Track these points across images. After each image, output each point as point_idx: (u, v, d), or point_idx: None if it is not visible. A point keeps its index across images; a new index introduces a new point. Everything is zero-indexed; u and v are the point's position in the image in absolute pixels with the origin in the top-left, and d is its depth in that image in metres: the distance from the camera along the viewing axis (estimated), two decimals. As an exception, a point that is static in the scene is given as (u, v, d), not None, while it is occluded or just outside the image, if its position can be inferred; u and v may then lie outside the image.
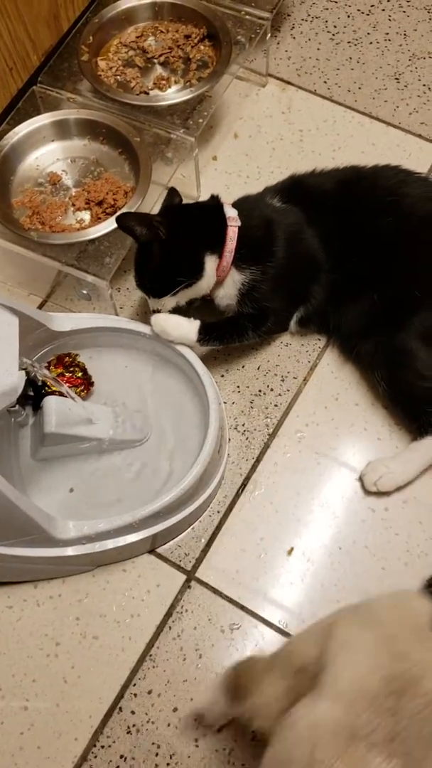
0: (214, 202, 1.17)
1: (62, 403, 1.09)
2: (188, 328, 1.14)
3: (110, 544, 1.05)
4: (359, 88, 1.52)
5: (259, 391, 1.24)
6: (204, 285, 1.14)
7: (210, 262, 1.13)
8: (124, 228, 1.10)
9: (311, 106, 1.50)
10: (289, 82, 1.54)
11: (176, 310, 1.17)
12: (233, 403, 1.23)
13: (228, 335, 1.18)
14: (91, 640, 1.07)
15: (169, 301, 1.15)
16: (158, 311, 1.16)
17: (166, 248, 1.11)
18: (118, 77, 1.36)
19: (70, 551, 1.05)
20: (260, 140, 1.47)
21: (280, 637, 1.06)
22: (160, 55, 1.39)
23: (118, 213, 1.18)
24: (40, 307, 1.32)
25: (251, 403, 1.23)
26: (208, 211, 1.15)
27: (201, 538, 1.13)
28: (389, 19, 1.61)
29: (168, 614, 1.08)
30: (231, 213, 1.14)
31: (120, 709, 1.03)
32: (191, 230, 1.13)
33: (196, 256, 1.12)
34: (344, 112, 1.49)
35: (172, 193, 1.20)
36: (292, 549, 1.12)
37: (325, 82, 1.53)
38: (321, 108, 1.50)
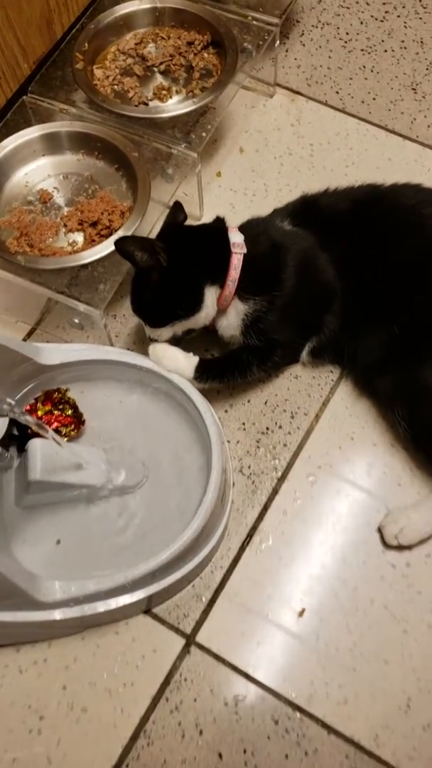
0: (219, 226, 1.07)
1: (48, 447, 0.98)
2: (185, 363, 1.05)
3: (101, 606, 0.95)
4: (374, 98, 1.42)
5: (267, 428, 1.13)
6: (203, 317, 1.05)
7: (210, 294, 1.03)
8: (123, 253, 1.00)
9: (322, 118, 1.40)
10: (298, 93, 1.44)
11: (178, 339, 1.08)
12: (238, 442, 1.12)
13: (229, 372, 1.08)
14: (79, 713, 0.96)
15: (166, 332, 1.06)
16: (155, 340, 1.06)
17: (165, 277, 1.01)
18: (116, 87, 1.26)
19: (56, 615, 0.94)
20: (268, 155, 1.37)
21: (290, 710, 0.95)
22: (161, 64, 1.29)
23: (115, 236, 1.08)
24: (29, 335, 1.22)
25: (258, 442, 1.12)
26: (211, 237, 1.05)
27: (202, 596, 1.02)
28: (405, 26, 1.51)
29: (165, 683, 0.97)
30: (236, 239, 1.04)
31: (110, 794, 0.92)
32: (192, 258, 1.03)
33: (196, 288, 1.03)
34: (358, 124, 1.39)
35: (177, 209, 1.09)
36: (303, 609, 1.01)
37: (337, 92, 1.43)
38: (333, 120, 1.40)
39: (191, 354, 1.06)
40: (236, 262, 1.03)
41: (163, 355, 1.05)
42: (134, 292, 1.06)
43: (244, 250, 1.04)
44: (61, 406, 1.07)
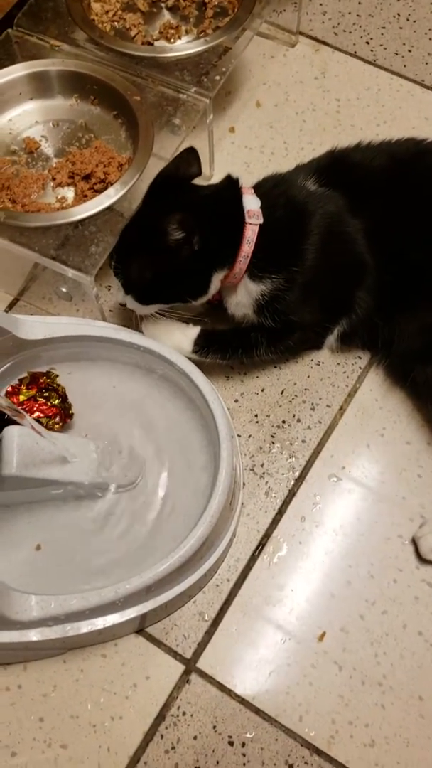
0: (231, 189, 0.90)
1: (27, 437, 0.82)
2: (183, 335, 0.92)
3: (85, 626, 0.80)
4: (409, 50, 1.27)
5: (283, 422, 0.98)
6: (201, 301, 0.91)
7: (218, 276, 0.89)
8: (185, 228, 0.82)
9: (350, 71, 1.24)
10: (323, 42, 1.28)
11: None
12: (249, 436, 0.97)
13: (233, 348, 0.94)
14: (58, 750, 0.81)
15: (152, 309, 0.91)
16: (124, 305, 0.93)
17: (191, 258, 0.85)
18: (116, 23, 1.10)
19: (32, 635, 0.79)
20: (288, 110, 1.21)
21: (307, 753, 0.81)
22: (169, -1, 1.13)
23: (111, 190, 0.92)
24: (10, 307, 1.06)
25: (272, 437, 0.97)
26: (222, 203, 0.89)
27: (205, 614, 0.87)
28: (444, -28, 1.35)
29: (160, 717, 0.83)
30: (251, 206, 0.88)
31: None
32: (206, 235, 0.86)
33: (206, 270, 0.88)
34: (391, 79, 1.23)
35: (189, 157, 0.91)
36: (323, 634, 0.86)
37: (367, 42, 1.27)
38: (362, 73, 1.24)
39: (190, 324, 0.92)
40: (250, 234, 0.87)
41: (156, 327, 0.92)
42: (126, 253, 0.90)
43: (260, 220, 0.88)
44: (47, 394, 0.92)
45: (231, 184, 0.92)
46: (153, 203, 0.89)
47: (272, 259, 0.89)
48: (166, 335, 0.92)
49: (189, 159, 0.91)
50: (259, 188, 0.93)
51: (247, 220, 0.88)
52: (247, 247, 0.87)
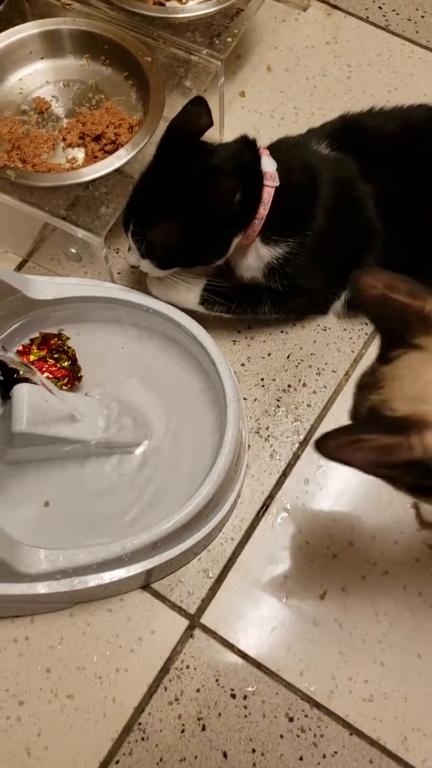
0: (250, 149, 0.89)
1: (37, 394, 0.83)
2: (189, 288, 0.92)
3: (93, 580, 0.81)
4: (422, 16, 1.25)
5: (289, 386, 0.99)
6: (216, 264, 0.91)
7: (236, 238, 0.88)
8: (234, 191, 0.81)
9: (362, 37, 1.23)
10: (335, 6, 1.26)
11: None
12: (255, 400, 0.98)
13: (238, 301, 0.95)
14: (65, 700, 0.83)
15: (163, 274, 0.91)
16: (136, 267, 0.91)
17: (219, 222, 0.85)
18: (128, -18, 1.09)
19: (40, 588, 0.81)
20: (299, 75, 1.20)
21: (307, 707, 0.83)
22: (181, -40, 1.11)
23: (122, 151, 0.92)
24: (19, 268, 1.06)
25: (278, 401, 0.98)
26: (243, 165, 0.87)
27: (209, 572, 0.89)
28: None
29: (164, 670, 0.84)
30: (269, 167, 0.88)
31: (97, 794, 0.80)
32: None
33: (227, 235, 0.87)
34: (403, 45, 1.22)
35: (198, 108, 0.87)
36: (325, 593, 0.88)
37: (380, 7, 1.26)
38: (374, 39, 1.23)
39: (194, 276, 0.93)
40: (266, 196, 0.87)
41: (166, 283, 0.92)
42: (173, 227, 0.85)
43: (277, 183, 0.88)
44: (57, 355, 0.92)
45: (249, 145, 0.90)
46: (173, 162, 0.86)
47: (286, 222, 0.89)
48: (172, 290, 0.92)
49: (198, 111, 0.87)
50: (274, 150, 0.91)
51: (265, 182, 0.87)
52: (263, 210, 0.86)
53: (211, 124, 0.87)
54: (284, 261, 0.90)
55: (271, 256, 0.90)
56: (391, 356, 0.58)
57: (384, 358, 0.59)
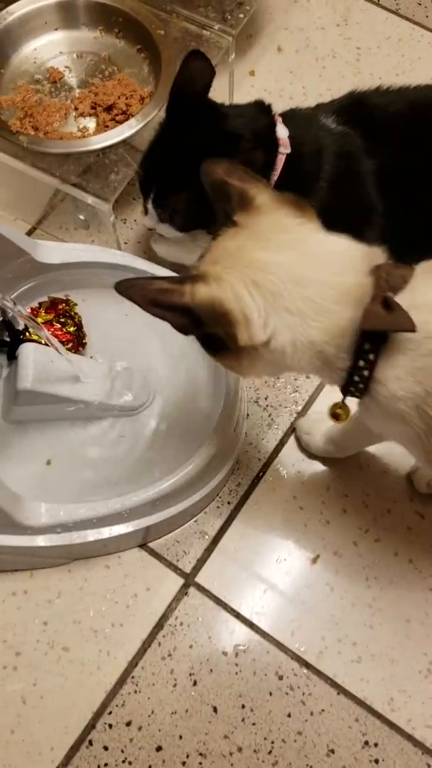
0: (266, 115, 0.91)
1: (43, 354, 0.85)
2: (194, 246, 0.94)
3: (92, 535, 0.84)
4: (432, 1, 1.27)
5: (289, 357, 1.01)
6: None
7: None
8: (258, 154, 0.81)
9: (372, 20, 1.25)
10: (347, -11, 1.28)
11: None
12: (256, 370, 1.00)
13: None
14: (60, 652, 0.86)
15: (180, 236, 0.92)
16: (154, 233, 0.92)
17: None
18: (143, -43, 1.10)
19: (40, 541, 0.83)
20: (308, 56, 1.22)
21: (297, 666, 0.85)
22: None
23: (132, 121, 0.94)
24: (29, 235, 1.08)
25: (278, 371, 1.00)
26: (258, 129, 0.88)
27: (205, 534, 0.91)
28: None
29: (158, 626, 0.87)
30: (283, 134, 0.89)
31: (90, 742, 0.82)
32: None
33: None
34: (412, 29, 1.24)
35: (200, 64, 0.84)
36: (317, 557, 0.90)
37: (391, -9, 1.28)
38: (384, 22, 1.25)
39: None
40: (279, 163, 0.88)
41: (170, 242, 0.94)
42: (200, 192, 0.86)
43: (288, 150, 0.89)
44: (63, 320, 0.94)
45: (264, 110, 0.92)
46: (188, 125, 0.86)
47: (294, 190, 0.90)
48: (178, 249, 0.93)
49: (198, 65, 0.84)
50: (286, 119, 0.92)
51: (279, 147, 0.88)
52: (275, 175, 0.88)
53: (213, 74, 0.86)
54: None
55: None
56: (218, 233, 0.66)
57: (215, 235, 0.67)
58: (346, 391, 0.64)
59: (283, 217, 0.63)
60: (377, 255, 0.63)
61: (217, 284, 0.60)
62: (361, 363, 0.60)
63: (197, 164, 0.83)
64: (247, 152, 0.81)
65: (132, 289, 0.61)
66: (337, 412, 0.72)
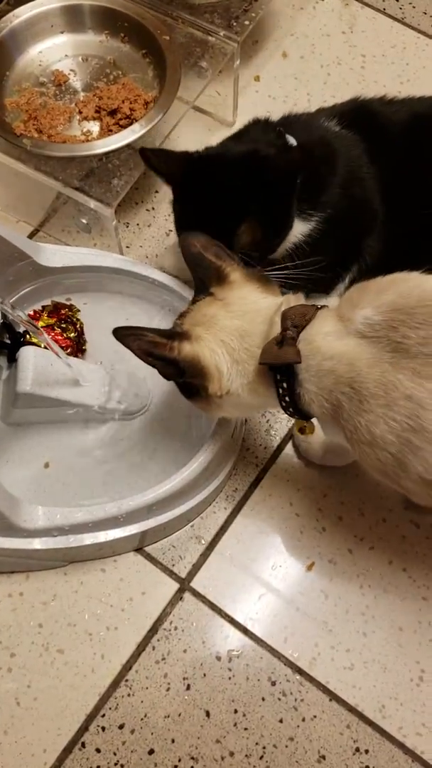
0: (274, 130, 0.90)
1: (43, 357, 0.86)
2: None
3: (88, 539, 0.84)
4: (438, 10, 1.27)
5: (288, 364, 1.01)
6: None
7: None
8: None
9: (378, 28, 1.25)
10: (353, -3, 1.28)
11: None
12: (255, 376, 1.00)
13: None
14: (55, 654, 0.86)
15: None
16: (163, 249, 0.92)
17: None
18: (150, -38, 1.11)
19: (36, 544, 0.83)
20: (313, 62, 1.22)
21: (290, 672, 0.85)
22: None
23: (136, 126, 0.94)
24: (30, 237, 1.09)
25: (277, 378, 1.00)
26: (271, 141, 0.88)
27: (201, 539, 0.91)
28: None
29: (153, 630, 0.87)
30: (293, 142, 0.89)
31: (83, 744, 0.82)
32: None
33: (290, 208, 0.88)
34: (417, 38, 1.24)
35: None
36: (312, 564, 0.90)
37: (397, 0, 1.27)
38: (389, 31, 1.25)
39: None
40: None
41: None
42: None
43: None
44: (64, 325, 0.95)
45: (268, 126, 0.92)
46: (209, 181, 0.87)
47: (314, 197, 0.90)
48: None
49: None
50: (286, 126, 0.93)
51: None
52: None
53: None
54: (307, 238, 0.91)
55: (301, 233, 0.91)
56: (197, 299, 0.77)
57: (194, 301, 0.77)
58: (287, 412, 0.73)
59: (249, 292, 0.75)
60: (293, 300, 0.73)
61: (197, 343, 0.73)
62: (280, 391, 0.71)
63: (240, 195, 0.84)
64: (281, 157, 0.84)
65: (129, 338, 0.73)
66: (303, 427, 0.80)
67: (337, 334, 0.68)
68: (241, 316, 0.73)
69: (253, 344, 0.72)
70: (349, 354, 0.67)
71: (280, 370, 0.70)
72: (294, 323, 0.70)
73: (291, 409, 0.72)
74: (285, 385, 0.70)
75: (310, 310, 0.71)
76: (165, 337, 0.73)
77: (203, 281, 0.77)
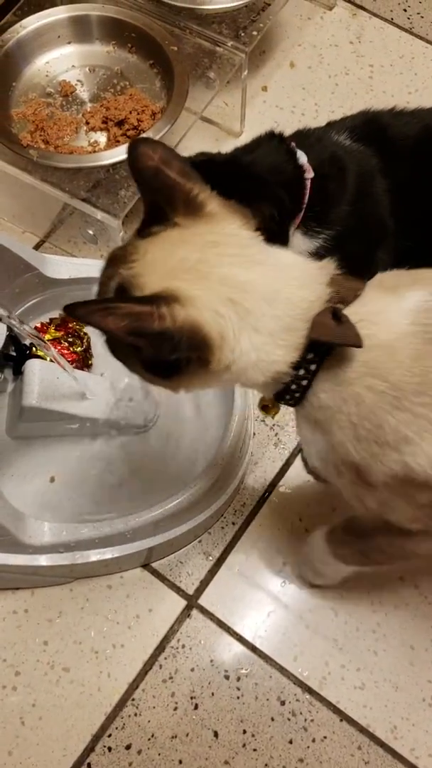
0: (283, 145, 0.89)
1: (49, 371, 0.85)
2: None
3: (94, 555, 0.83)
4: (446, 20, 1.26)
5: (296, 377, 1.00)
6: None
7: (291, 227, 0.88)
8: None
9: (386, 38, 1.25)
10: (361, 7, 1.28)
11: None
12: (263, 388, 0.99)
13: None
14: (61, 673, 0.85)
15: None
16: None
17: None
18: (157, -27, 1.10)
19: (42, 560, 0.82)
20: (321, 73, 1.21)
21: (299, 691, 0.84)
22: None
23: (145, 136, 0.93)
24: (36, 248, 1.08)
25: (285, 391, 0.99)
26: (280, 161, 0.88)
27: (209, 555, 0.90)
28: None
29: (160, 648, 0.86)
30: (303, 159, 0.89)
31: (89, 766, 0.81)
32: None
33: (285, 227, 0.87)
34: (425, 48, 1.24)
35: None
36: (322, 580, 0.89)
37: (405, 9, 1.27)
38: (398, 41, 1.24)
39: None
40: (307, 189, 0.87)
41: None
42: None
43: (312, 174, 0.88)
44: (71, 339, 0.94)
45: (278, 140, 0.91)
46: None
47: (322, 214, 0.89)
48: None
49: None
50: (299, 141, 0.92)
51: (305, 175, 0.88)
52: (304, 199, 0.87)
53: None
54: (316, 256, 0.90)
55: (307, 250, 0.90)
56: (151, 231, 0.58)
57: (143, 232, 0.58)
58: (279, 399, 0.61)
59: (237, 229, 0.58)
60: (331, 266, 0.60)
61: (192, 305, 0.54)
62: (302, 372, 0.58)
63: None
64: (270, 195, 0.82)
65: (96, 314, 0.53)
66: (266, 405, 0.68)
67: (386, 318, 0.57)
68: (252, 267, 0.56)
69: (290, 313, 0.56)
70: (395, 343, 0.56)
71: (317, 350, 0.57)
72: (341, 297, 0.57)
73: (295, 395, 0.59)
74: (312, 367, 0.57)
75: (358, 286, 0.59)
76: (144, 303, 0.53)
77: (160, 206, 0.57)
